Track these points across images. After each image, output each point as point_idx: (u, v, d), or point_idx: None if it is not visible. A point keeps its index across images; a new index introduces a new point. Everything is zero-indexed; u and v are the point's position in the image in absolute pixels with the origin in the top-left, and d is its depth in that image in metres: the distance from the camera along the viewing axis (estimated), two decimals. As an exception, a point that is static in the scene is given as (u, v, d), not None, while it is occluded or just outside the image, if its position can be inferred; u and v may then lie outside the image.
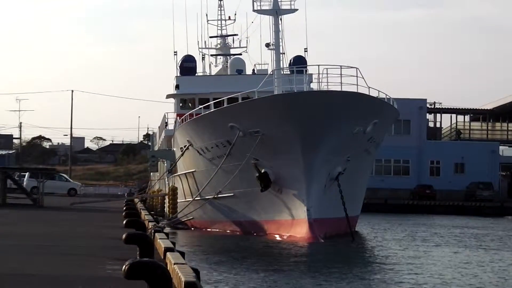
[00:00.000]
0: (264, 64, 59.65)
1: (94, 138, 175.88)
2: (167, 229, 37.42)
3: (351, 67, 38.71)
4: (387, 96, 42.83)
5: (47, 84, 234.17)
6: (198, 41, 65.85)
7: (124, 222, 22.30)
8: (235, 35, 68.17)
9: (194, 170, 47.25)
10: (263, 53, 67.83)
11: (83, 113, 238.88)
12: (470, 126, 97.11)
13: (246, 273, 26.18)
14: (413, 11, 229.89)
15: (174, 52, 62.29)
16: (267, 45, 49.49)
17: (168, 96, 60.58)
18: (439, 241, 42.95)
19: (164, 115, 65.60)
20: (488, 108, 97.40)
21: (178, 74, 59.59)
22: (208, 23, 67.91)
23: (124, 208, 33.76)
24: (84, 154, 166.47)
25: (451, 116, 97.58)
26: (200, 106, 48.61)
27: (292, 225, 40.29)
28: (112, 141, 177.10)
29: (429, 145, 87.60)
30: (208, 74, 65.08)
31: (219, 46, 68.49)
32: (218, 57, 68.49)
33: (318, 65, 38.88)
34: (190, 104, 57.26)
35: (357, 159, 41.55)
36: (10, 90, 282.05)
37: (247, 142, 39.96)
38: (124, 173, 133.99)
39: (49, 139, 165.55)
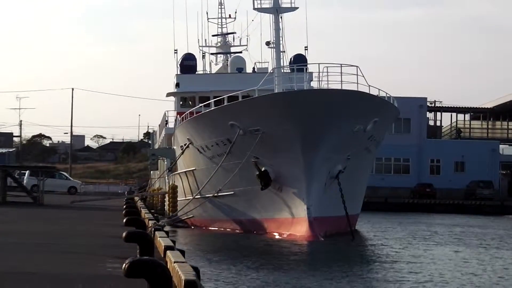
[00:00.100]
0: (264, 62, 59.67)
1: (94, 136, 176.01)
2: (167, 228, 37.44)
3: (352, 66, 38.74)
4: (388, 95, 42.83)
5: (47, 82, 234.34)
6: (198, 39, 65.90)
7: (124, 220, 22.27)
8: (233, 33, 68.20)
9: (194, 168, 47.25)
10: (263, 51, 67.88)
11: (84, 111, 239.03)
12: (470, 124, 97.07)
13: (246, 272, 26.18)
14: (413, 10, 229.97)
15: (175, 50, 62.35)
16: (268, 43, 49.51)
17: (169, 94, 60.60)
18: (439, 239, 42.95)
19: (165, 113, 65.62)
20: (488, 107, 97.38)
21: (179, 72, 59.60)
22: (208, 21, 67.93)
23: (124, 206, 33.73)
24: (84, 152, 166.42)
25: (451, 114, 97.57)
26: (200, 104, 48.59)
27: (292, 223, 40.29)
28: (112, 139, 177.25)
29: (429, 144, 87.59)
30: (208, 72, 65.07)
31: (219, 44, 68.48)
32: (219, 55, 68.47)
33: (319, 64, 38.91)
34: (190, 102, 57.27)
35: (357, 158, 41.54)
36: (11, 88, 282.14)
37: (247, 141, 39.95)
38: (124, 171, 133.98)
39: (49, 137, 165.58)
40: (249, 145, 39.79)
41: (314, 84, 44.82)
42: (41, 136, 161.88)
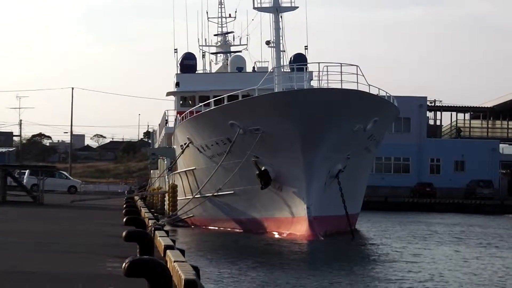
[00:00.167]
0: (264, 61, 59.68)
1: (94, 135, 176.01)
2: (167, 227, 37.44)
3: (352, 65, 38.73)
4: (387, 94, 42.81)
5: (47, 81, 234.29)
6: (198, 39, 65.90)
7: (124, 219, 22.28)
8: (231, 32, 68.20)
9: (194, 167, 47.25)
10: (263, 50, 67.80)
11: (83, 110, 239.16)
12: (470, 124, 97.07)
13: (246, 271, 26.18)
14: (413, 9, 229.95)
15: (175, 49, 62.36)
16: (268, 42, 49.50)
17: (169, 94, 60.60)
18: (439, 239, 42.95)
19: (164, 113, 65.64)
20: (488, 106, 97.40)
21: (179, 72, 59.59)
22: (208, 20, 67.92)
23: (124, 205, 33.72)
24: (84, 152, 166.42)
25: (451, 114, 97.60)
26: (200, 104, 48.58)
27: (292, 223, 40.29)
28: (112, 138, 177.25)
29: (429, 143, 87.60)
30: (208, 71, 65.08)
31: (219, 44, 68.48)
32: (219, 54, 68.47)
33: (319, 63, 38.92)
34: (190, 102, 57.27)
35: (357, 157, 41.54)
36: (11, 88, 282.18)
37: (247, 140, 39.95)
38: (124, 171, 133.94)
39: (49, 137, 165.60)
40: (249, 145, 39.78)
41: (314, 84, 44.82)
42: (41, 135, 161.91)
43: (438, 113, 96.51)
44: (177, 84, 58.09)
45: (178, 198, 50.28)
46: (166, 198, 53.86)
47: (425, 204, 77.75)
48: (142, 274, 9.63)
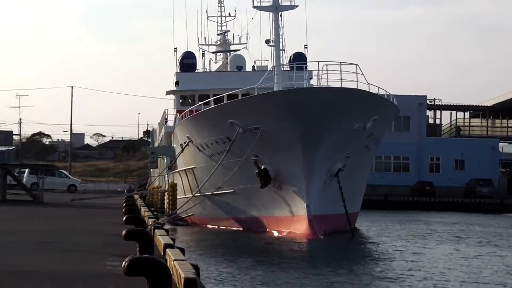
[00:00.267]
0: (264, 60, 59.74)
1: (94, 134, 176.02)
2: (167, 226, 37.44)
3: (351, 64, 38.73)
4: (387, 93, 42.79)
5: (47, 80, 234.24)
6: (198, 38, 65.93)
7: (124, 218, 22.29)
8: (227, 31, 68.24)
9: (194, 166, 47.25)
10: (263, 49, 67.84)
11: (83, 109, 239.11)
12: (470, 122, 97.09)
13: (246, 270, 26.18)
14: (412, 9, 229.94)
15: (174, 48, 62.43)
16: (267, 41, 49.49)
17: (168, 93, 60.60)
18: (439, 237, 42.96)
19: (164, 112, 65.71)
20: (488, 105, 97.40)
21: (178, 71, 59.61)
22: (208, 19, 67.97)
23: (124, 204, 33.69)
24: (84, 151, 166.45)
25: (451, 112, 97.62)
26: (200, 103, 48.59)
27: (292, 221, 40.29)
28: (112, 137, 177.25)
29: (429, 142, 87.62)
30: (208, 70, 65.09)
31: (219, 43, 68.49)
32: (218, 53, 68.49)
33: (318, 62, 38.90)
34: (190, 101, 57.28)
35: (357, 156, 41.53)
36: (10, 87, 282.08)
37: (247, 139, 39.94)
38: (124, 170, 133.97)
39: (49, 136, 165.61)
40: (248, 143, 39.77)
41: (314, 82, 44.82)
42: (40, 134, 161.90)
43: (438, 112, 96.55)
44: (177, 83, 58.10)
45: (177, 197, 50.28)
46: (166, 197, 53.87)
47: (424, 203, 77.78)
48: (142, 272, 9.63)
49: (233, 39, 67.91)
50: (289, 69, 48.48)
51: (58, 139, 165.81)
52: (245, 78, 51.74)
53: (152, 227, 22.46)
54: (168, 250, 15.03)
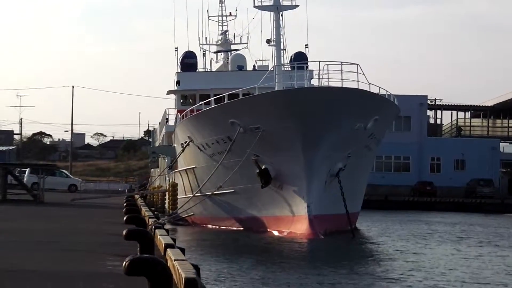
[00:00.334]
0: (265, 60, 59.73)
1: (95, 134, 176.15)
2: (167, 226, 37.44)
3: (352, 64, 38.71)
4: (388, 93, 42.77)
5: (47, 80, 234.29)
6: (199, 37, 65.95)
7: (125, 218, 22.29)
8: (226, 31, 68.24)
9: (194, 166, 47.24)
10: (264, 49, 67.93)
11: (84, 109, 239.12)
12: (470, 122, 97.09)
13: (246, 269, 26.17)
14: (413, 8, 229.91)
15: (175, 48, 62.45)
16: (268, 41, 49.46)
17: (169, 92, 60.61)
18: (440, 237, 42.94)
19: (165, 111, 65.73)
20: (489, 105, 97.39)
21: (179, 70, 59.61)
22: (209, 19, 67.99)
23: (125, 204, 33.71)
24: (85, 150, 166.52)
25: (451, 112, 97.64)
26: (200, 102, 48.58)
27: (293, 221, 40.28)
28: (113, 137, 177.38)
29: (429, 142, 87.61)
30: (208, 70, 65.09)
31: (220, 42, 68.49)
32: (219, 53, 68.50)
33: (319, 61, 38.88)
34: (190, 100, 57.30)
35: (357, 156, 41.51)
36: (11, 86, 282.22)
37: (247, 138, 39.93)
38: (125, 169, 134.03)
39: (49, 135, 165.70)
40: (249, 143, 39.76)
41: (315, 82, 44.80)
42: (41, 134, 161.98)
43: (439, 111, 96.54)
44: (178, 83, 58.11)
45: (178, 197, 50.27)
46: (167, 196, 53.86)
47: (425, 203, 77.76)
48: (143, 272, 9.63)
49: (234, 38, 67.97)
50: (290, 68, 48.48)
51: (58, 139, 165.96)
52: (246, 77, 51.74)
53: (153, 227, 22.45)
54: (168, 250, 15.01)
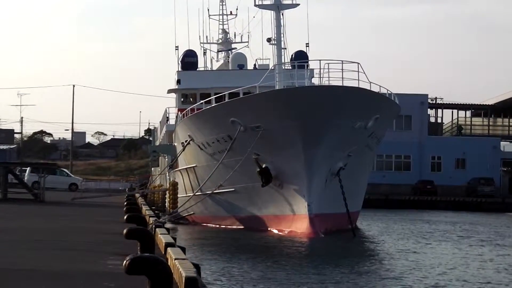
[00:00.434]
0: (265, 59, 59.64)
1: (95, 133, 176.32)
2: (168, 224, 37.44)
3: (353, 62, 38.70)
4: (389, 91, 42.76)
5: (48, 79, 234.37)
6: (199, 36, 65.92)
7: (125, 217, 22.31)
8: (226, 31, 68.21)
9: (195, 165, 47.23)
10: (264, 48, 67.78)
11: (85, 108, 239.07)
12: (471, 121, 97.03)
13: (247, 268, 26.16)
14: (414, 7, 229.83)
15: (176, 47, 62.38)
16: (269, 40, 49.43)
17: (170, 91, 60.58)
18: (441, 236, 42.93)
19: (165, 110, 65.67)
20: (490, 104, 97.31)
21: (180, 69, 59.58)
22: (209, 18, 67.95)
23: (125, 203, 33.75)
24: (85, 149, 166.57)
25: (452, 111, 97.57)
26: (201, 101, 48.56)
27: (293, 220, 40.27)
28: (113, 136, 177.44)
29: (430, 141, 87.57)
30: (209, 69, 65.06)
31: (220, 41, 68.47)
32: (220, 52, 68.46)
33: (320, 60, 38.87)
34: (191, 99, 57.27)
35: (358, 155, 41.49)
36: (12, 85, 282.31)
37: (248, 137, 39.91)
38: (125, 168, 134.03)
39: (50, 134, 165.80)
40: (250, 142, 39.74)
41: (315, 81, 44.78)
42: (42, 132, 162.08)
43: (439, 110, 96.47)
44: (178, 82, 58.08)
45: (179, 196, 50.25)
46: (167, 195, 53.84)
47: (426, 202, 77.74)
48: (143, 271, 9.62)
49: (235, 37, 67.94)
50: (290, 67, 48.46)
51: (59, 138, 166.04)
52: (247, 76, 51.71)
53: (153, 226, 22.44)
54: (169, 249, 15.01)
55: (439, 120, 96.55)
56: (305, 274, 25.10)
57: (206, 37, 66.64)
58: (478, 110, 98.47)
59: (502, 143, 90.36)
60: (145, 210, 33.51)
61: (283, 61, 47.80)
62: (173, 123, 57.04)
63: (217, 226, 45.68)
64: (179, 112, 53.23)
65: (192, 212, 47.97)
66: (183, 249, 16.21)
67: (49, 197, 49.44)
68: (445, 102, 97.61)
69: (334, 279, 24.26)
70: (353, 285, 23.49)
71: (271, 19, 48.01)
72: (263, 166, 40.49)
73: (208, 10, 67.75)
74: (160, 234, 18.92)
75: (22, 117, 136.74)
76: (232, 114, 40.42)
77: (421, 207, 75.06)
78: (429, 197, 79.36)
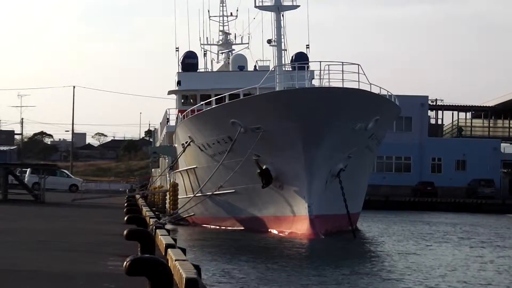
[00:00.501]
0: (266, 60, 59.64)
1: (96, 134, 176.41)
2: (168, 226, 37.43)
3: (353, 64, 38.69)
4: (389, 93, 42.76)
5: (48, 80, 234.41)
6: (200, 37, 65.92)
7: (125, 218, 22.32)
8: (228, 33, 68.23)
9: (195, 166, 47.24)
10: (265, 49, 67.83)
11: (85, 109, 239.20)
12: (471, 123, 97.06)
13: (247, 269, 26.16)
14: (415, 8, 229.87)
15: (176, 48, 62.40)
16: (269, 41, 49.46)
17: (170, 92, 60.59)
18: (441, 238, 42.92)
19: (166, 111, 65.68)
20: (490, 105, 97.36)
21: (180, 70, 59.58)
22: (210, 19, 67.93)
23: (126, 204, 33.75)
24: (86, 150, 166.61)
25: (452, 113, 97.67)
26: (201, 102, 48.57)
27: (293, 221, 40.27)
28: (114, 137, 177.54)
29: (430, 142, 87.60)
30: (209, 70, 65.06)
31: (221, 42, 68.47)
32: (220, 53, 68.45)
33: (320, 62, 38.86)
34: (191, 100, 57.27)
35: (358, 156, 41.49)
36: (12, 85, 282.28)
37: (248, 139, 39.92)
38: (126, 169, 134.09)
39: (50, 135, 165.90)
40: (250, 143, 39.75)
41: (316, 83, 44.79)
42: (42, 134, 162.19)
43: (440, 112, 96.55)
44: (179, 83, 58.08)
45: (179, 197, 50.26)
46: (167, 196, 53.85)
47: (426, 203, 77.75)
48: (143, 272, 9.63)
49: (235, 39, 67.93)
50: (291, 69, 48.46)
51: (59, 139, 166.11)
52: (247, 78, 51.71)
53: (154, 227, 22.46)
54: (169, 250, 15.03)
55: (439, 122, 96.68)
56: (306, 276, 25.10)
57: (207, 38, 66.68)
58: (478, 111, 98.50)
59: (502, 144, 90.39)
60: (146, 211, 33.53)
61: (283, 62, 47.82)
62: (174, 124, 57.05)
63: (218, 227, 45.68)
64: (180, 114, 53.24)
65: (192, 213, 47.97)
66: (184, 250, 16.23)
67: (50, 198, 49.44)
68: (445, 104, 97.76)
69: (334, 281, 24.25)
70: (354, 287, 23.49)
71: (271, 21, 48.07)
72: (264, 167, 40.49)
73: (209, 11, 67.78)
74: (161, 235, 18.93)
75: (22, 118, 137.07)
76: (233, 115, 40.43)
77: (421, 209, 75.06)
78: (429, 199, 79.37)
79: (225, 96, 43.95)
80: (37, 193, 49.44)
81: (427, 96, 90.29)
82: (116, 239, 21.30)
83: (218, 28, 68.73)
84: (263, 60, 60.11)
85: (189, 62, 59.64)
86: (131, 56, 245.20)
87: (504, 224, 58.85)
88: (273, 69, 44.56)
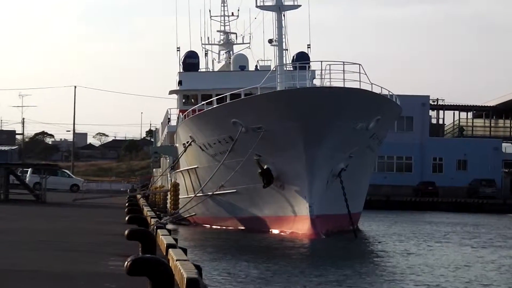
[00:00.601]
0: (267, 60, 59.61)
1: (97, 134, 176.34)
2: (169, 226, 37.42)
3: (354, 64, 38.69)
4: (390, 93, 42.77)
5: (50, 80, 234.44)
6: (201, 37, 65.90)
7: (127, 218, 22.31)
8: (233, 33, 68.24)
9: (196, 166, 47.24)
10: (266, 49, 67.77)
11: (86, 109, 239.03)
12: (473, 122, 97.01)
13: (248, 269, 26.16)
14: (416, 8, 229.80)
15: (177, 48, 62.36)
16: (270, 41, 49.43)
17: (171, 92, 60.59)
18: (442, 238, 42.91)
19: (167, 111, 65.64)
20: (491, 105, 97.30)
21: (181, 70, 59.57)
22: (211, 19, 67.90)
23: (127, 204, 33.74)
24: (87, 150, 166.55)
25: (454, 112, 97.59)
26: (202, 102, 48.57)
27: (294, 221, 40.27)
28: (115, 137, 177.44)
29: (431, 142, 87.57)
30: (211, 70, 65.06)
31: (222, 42, 68.47)
32: (221, 53, 68.44)
33: (321, 61, 38.88)
34: (192, 100, 57.26)
35: (359, 156, 41.49)
36: (12, 85, 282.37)
37: (249, 138, 39.93)
38: (127, 169, 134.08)
39: (51, 135, 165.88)
40: (251, 143, 39.76)
41: (317, 82, 44.80)
42: (43, 133, 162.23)
43: (441, 112, 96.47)
44: (180, 83, 58.07)
45: (180, 197, 50.26)
46: (168, 196, 53.84)
47: (427, 203, 77.72)
48: (144, 272, 9.61)
49: (236, 38, 67.92)
50: (292, 68, 48.45)
51: (61, 139, 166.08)
52: (248, 77, 51.70)
53: (155, 227, 22.44)
54: (170, 250, 15.02)
55: (440, 122, 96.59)
56: (307, 275, 25.09)
57: (208, 38, 66.65)
58: (479, 111, 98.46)
59: (503, 144, 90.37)
60: (147, 211, 33.51)
61: (284, 62, 47.81)
62: (175, 124, 57.05)
63: (219, 227, 45.68)
64: (181, 113, 53.25)
65: (193, 213, 47.97)
66: (185, 250, 16.20)
67: (51, 198, 49.44)
68: (446, 104, 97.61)
69: (335, 280, 24.25)
70: (355, 286, 23.49)
71: (272, 20, 48.08)
72: (265, 167, 40.49)
73: (210, 11, 67.76)
74: (162, 235, 18.92)
75: (23, 118, 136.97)
76: (234, 115, 40.43)
77: (423, 209, 75.03)
78: (430, 199, 79.35)
79: (226, 96, 43.94)
80: (38, 193, 49.45)
81: (428, 96, 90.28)
82: (117, 239, 21.29)
83: (219, 28, 68.74)
84: (264, 60, 60.11)
85: (190, 62, 59.64)
86: (132, 56, 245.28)
87: (505, 224, 58.84)
88: (274, 69, 44.55)
